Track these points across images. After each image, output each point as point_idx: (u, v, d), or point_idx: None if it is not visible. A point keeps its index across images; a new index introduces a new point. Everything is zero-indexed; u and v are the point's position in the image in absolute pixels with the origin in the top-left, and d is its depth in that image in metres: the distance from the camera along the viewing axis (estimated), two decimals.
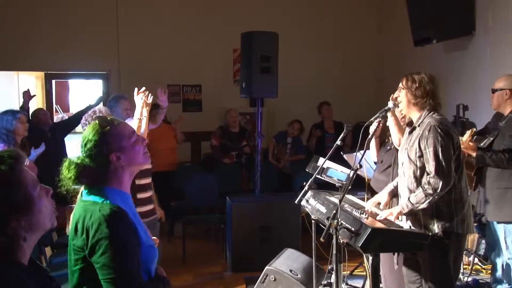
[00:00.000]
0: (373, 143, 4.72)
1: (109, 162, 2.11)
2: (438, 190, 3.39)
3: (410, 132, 3.69)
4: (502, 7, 6.12)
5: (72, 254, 2.06)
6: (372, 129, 4.12)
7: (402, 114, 3.94)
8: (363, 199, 4.22)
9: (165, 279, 2.24)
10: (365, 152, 3.62)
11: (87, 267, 2.01)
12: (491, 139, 4.45)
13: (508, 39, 5.99)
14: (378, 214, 3.65)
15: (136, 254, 2.01)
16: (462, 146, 4.26)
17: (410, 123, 3.77)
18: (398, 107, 3.74)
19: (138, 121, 4.15)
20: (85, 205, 2.06)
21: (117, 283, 1.96)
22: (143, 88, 4.26)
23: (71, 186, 2.08)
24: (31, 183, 1.67)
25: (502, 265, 4.75)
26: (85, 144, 2.12)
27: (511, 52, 5.93)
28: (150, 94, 4.27)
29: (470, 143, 4.33)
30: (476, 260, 5.61)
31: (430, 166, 3.43)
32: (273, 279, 4.46)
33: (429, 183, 3.40)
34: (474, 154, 4.36)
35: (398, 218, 3.55)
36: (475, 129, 4.63)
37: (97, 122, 2.16)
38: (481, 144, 4.46)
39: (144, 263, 2.09)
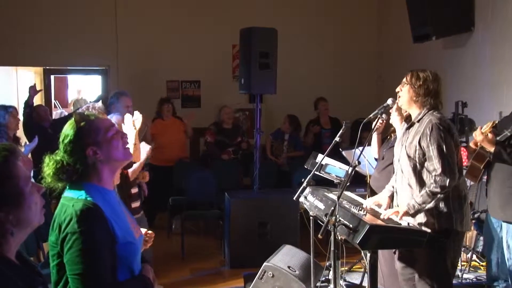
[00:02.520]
0: (374, 139, 4.71)
1: (86, 157, 2.09)
2: (446, 188, 3.38)
3: (408, 128, 3.68)
4: (501, 3, 6.10)
5: (50, 249, 2.06)
6: (374, 125, 4.11)
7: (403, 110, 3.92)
8: (362, 196, 4.22)
9: (148, 279, 2.21)
10: (363, 148, 3.62)
11: (62, 263, 2.00)
12: (508, 134, 4.29)
13: (508, 36, 5.98)
14: (377, 212, 3.65)
15: (106, 251, 1.99)
16: (478, 138, 4.20)
17: (407, 119, 3.76)
18: (398, 101, 3.72)
19: (134, 146, 4.08)
20: (63, 200, 2.07)
21: (82, 279, 1.94)
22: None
23: (51, 182, 2.08)
24: (23, 178, 1.66)
25: (497, 262, 4.75)
26: (63, 140, 2.11)
27: (510, 49, 5.92)
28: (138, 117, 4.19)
29: (489, 135, 4.16)
30: (474, 257, 5.62)
31: (436, 164, 3.41)
32: (271, 275, 4.46)
33: (435, 181, 3.39)
34: (491, 149, 4.18)
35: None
36: (496, 121, 4.43)
37: (73, 118, 2.16)
38: (498, 138, 4.29)
39: (123, 260, 2.07)
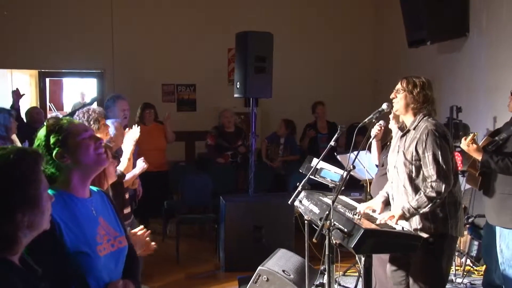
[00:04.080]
0: (374, 146, 4.72)
1: (54, 161, 2.09)
2: (442, 193, 3.39)
3: (403, 135, 3.68)
4: (496, 8, 6.13)
5: None
6: (373, 132, 4.09)
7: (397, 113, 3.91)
8: (357, 200, 4.22)
9: None
10: (358, 152, 3.63)
11: None
12: (500, 142, 4.28)
13: (503, 41, 6.01)
14: (372, 216, 3.65)
15: (41, 257, 1.90)
16: (466, 149, 4.24)
17: (401, 127, 3.76)
18: (393, 109, 3.72)
19: (128, 161, 4.09)
20: None
21: None
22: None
23: None
24: (44, 184, 1.70)
25: (495, 268, 4.75)
26: (36, 144, 2.12)
27: (505, 54, 5.95)
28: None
29: (473, 145, 4.18)
30: (468, 261, 5.63)
31: (430, 170, 3.42)
32: (266, 279, 4.46)
33: (431, 187, 3.40)
34: (479, 157, 4.18)
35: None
36: (477, 133, 4.43)
37: (46, 123, 2.16)
38: (489, 147, 4.30)
39: (75, 270, 2.01)
